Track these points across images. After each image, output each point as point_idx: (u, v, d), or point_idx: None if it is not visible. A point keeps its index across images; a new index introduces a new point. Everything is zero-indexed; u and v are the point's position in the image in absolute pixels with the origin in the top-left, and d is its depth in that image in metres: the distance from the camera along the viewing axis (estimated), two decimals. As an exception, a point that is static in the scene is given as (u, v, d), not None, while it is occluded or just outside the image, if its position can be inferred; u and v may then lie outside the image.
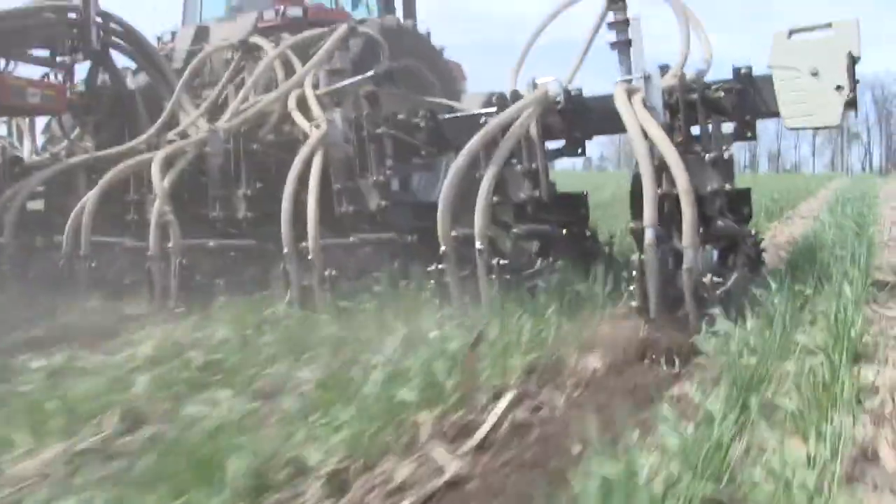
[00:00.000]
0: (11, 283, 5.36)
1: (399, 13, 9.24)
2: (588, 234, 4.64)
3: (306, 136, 5.16)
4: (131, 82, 7.54)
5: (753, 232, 4.04)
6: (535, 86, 4.31)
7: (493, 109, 4.43)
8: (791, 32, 4.07)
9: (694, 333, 3.21)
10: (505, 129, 4.15)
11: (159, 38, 8.05)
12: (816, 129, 4.46)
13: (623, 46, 4.86)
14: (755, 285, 3.57)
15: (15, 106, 5.92)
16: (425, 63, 7.62)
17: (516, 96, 4.35)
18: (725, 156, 3.89)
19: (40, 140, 7.84)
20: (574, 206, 4.65)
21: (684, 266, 3.38)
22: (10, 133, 7.69)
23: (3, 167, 6.34)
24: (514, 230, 4.22)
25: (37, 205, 6.34)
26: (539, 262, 4.19)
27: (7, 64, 6.26)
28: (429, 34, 8.40)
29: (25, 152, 7.19)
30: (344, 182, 4.77)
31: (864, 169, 66.62)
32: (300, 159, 4.66)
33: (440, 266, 4.05)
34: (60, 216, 5.82)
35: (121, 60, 7.29)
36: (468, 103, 7.82)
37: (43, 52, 6.78)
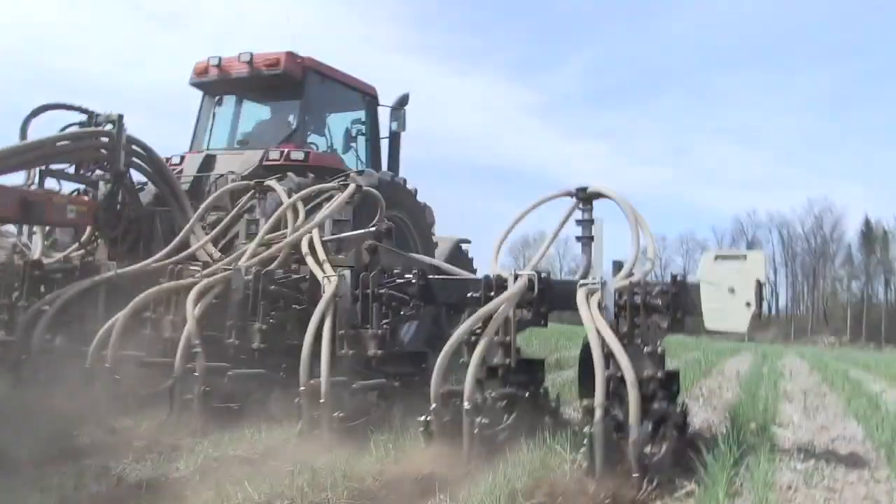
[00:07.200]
0: (36, 389, 5.92)
1: (384, 166, 10.32)
2: (541, 392, 5.67)
3: (314, 279, 6.11)
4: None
5: (682, 403, 5.10)
6: (515, 277, 5.39)
7: (481, 278, 5.55)
8: (717, 257, 5.29)
9: (638, 489, 4.24)
10: (491, 311, 5.19)
11: (167, 160, 8.89)
12: (728, 332, 5.61)
13: (587, 241, 6.04)
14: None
15: (56, 220, 6.64)
16: (409, 215, 8.70)
17: (500, 280, 5.44)
18: (659, 350, 4.98)
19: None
20: (534, 370, 5.67)
21: (630, 439, 4.38)
22: (19, 231, 8.33)
23: (23, 269, 6.98)
24: (492, 393, 5.17)
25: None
26: (506, 417, 5.18)
27: (42, 181, 7.06)
28: (416, 191, 9.52)
29: (36, 252, 7.82)
30: (347, 329, 5.70)
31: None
32: (320, 309, 5.57)
33: (428, 418, 4.96)
34: (77, 323, 6.51)
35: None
36: (440, 250, 8.99)
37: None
